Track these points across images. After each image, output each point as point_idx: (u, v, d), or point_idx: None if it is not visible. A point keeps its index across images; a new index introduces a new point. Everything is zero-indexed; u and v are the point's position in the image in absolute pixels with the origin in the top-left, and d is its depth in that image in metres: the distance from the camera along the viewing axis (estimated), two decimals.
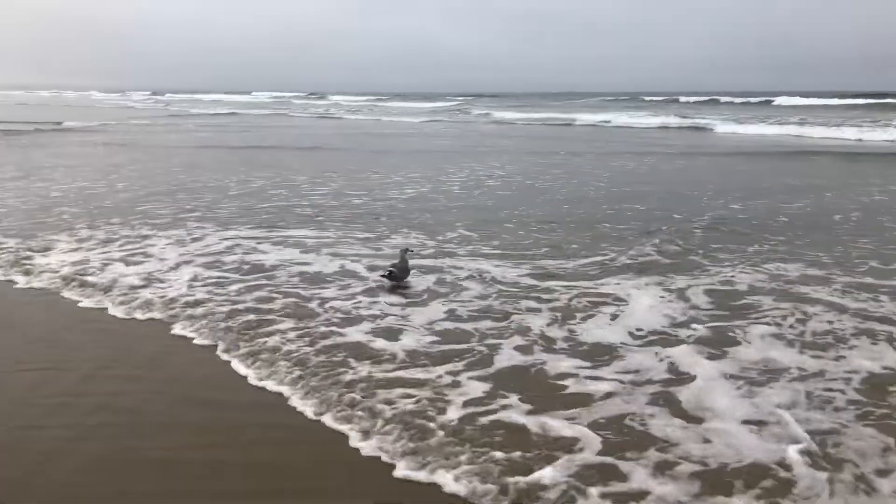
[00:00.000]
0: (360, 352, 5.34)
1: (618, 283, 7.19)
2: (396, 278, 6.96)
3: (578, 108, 54.66)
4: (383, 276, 7.04)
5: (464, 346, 5.51)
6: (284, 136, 29.40)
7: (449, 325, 6.01)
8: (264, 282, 7.20)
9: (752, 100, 64.26)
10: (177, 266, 7.76)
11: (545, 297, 6.75)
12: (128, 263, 7.83)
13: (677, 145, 26.08)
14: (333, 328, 5.84)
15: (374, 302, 6.60)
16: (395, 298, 6.74)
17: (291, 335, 5.65)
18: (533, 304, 6.54)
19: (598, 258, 8.32)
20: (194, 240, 9.06)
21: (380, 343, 5.53)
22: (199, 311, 6.26)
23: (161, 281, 7.19)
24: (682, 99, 72.88)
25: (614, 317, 6.20)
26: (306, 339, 5.58)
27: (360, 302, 6.59)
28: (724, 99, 69.96)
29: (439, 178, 15.60)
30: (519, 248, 8.84)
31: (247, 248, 8.61)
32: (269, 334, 5.68)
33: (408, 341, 5.59)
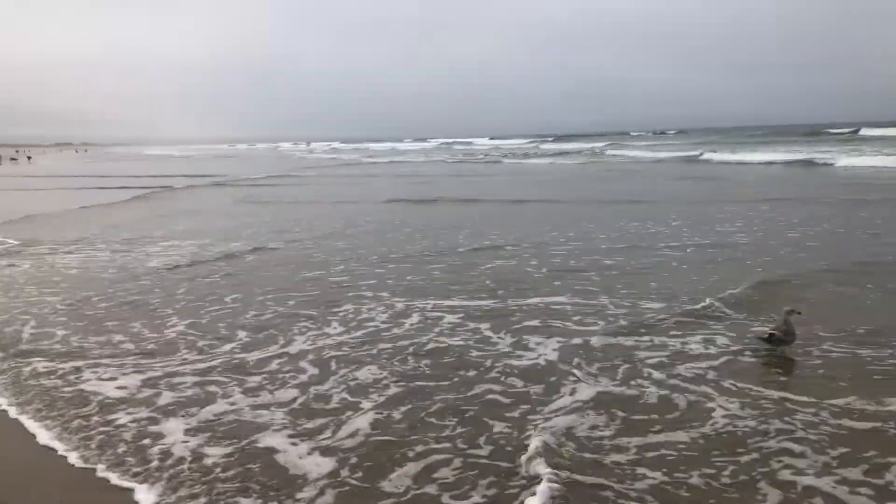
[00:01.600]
0: None
1: None
2: (781, 341, 5.83)
3: (824, 144, 47.16)
4: (763, 339, 5.90)
5: None
6: (481, 188, 26.55)
7: None
8: None
9: None
10: None
11: None
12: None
13: None
14: None
15: None
16: None
17: None
18: None
19: None
20: None
21: None
22: None
23: None
24: None
25: None
26: None
27: None
28: None
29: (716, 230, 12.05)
30: None
31: None
32: None
33: None
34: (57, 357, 6.02)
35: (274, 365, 5.85)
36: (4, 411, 4.96)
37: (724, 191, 21.11)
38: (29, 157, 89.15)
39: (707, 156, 42.62)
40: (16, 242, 12.08)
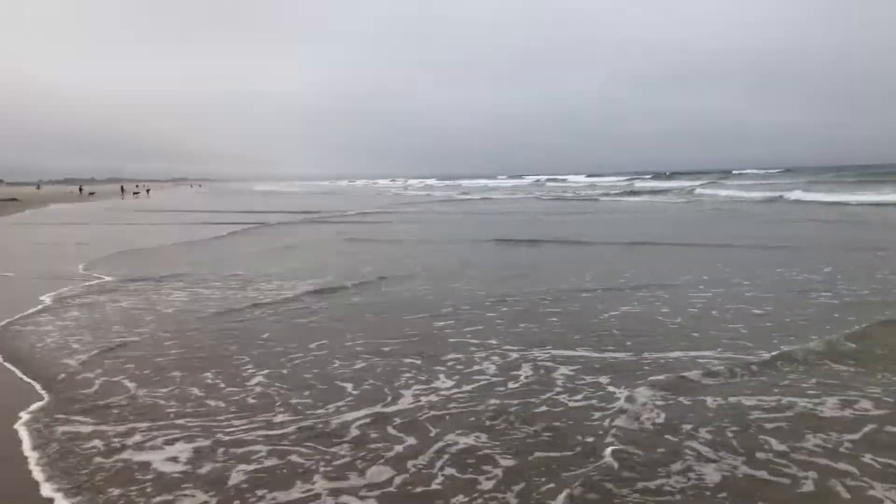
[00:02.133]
0: None
1: None
2: None
3: None
4: None
5: None
6: (584, 227, 25.16)
7: None
8: None
9: None
10: None
11: None
12: None
13: None
14: None
15: None
16: None
17: None
18: None
19: None
20: None
21: None
22: None
23: None
24: None
25: None
26: None
27: None
28: None
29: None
30: None
31: None
32: None
33: None
34: (109, 413, 5.05)
35: (363, 430, 4.65)
36: (36, 484, 3.99)
37: (869, 235, 18.43)
38: (148, 191, 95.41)
39: (832, 196, 38.43)
40: (109, 279, 11.70)
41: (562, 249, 15.58)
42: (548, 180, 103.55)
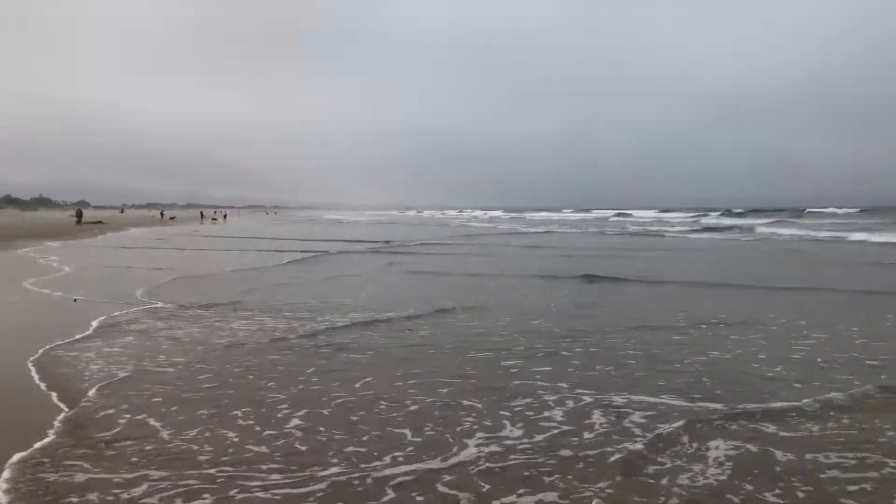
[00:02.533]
0: None
1: None
2: None
3: None
4: None
5: None
6: (659, 264, 24.04)
7: None
8: None
9: None
10: None
11: None
12: None
13: None
14: None
15: None
16: None
17: None
18: None
19: None
20: None
21: None
22: None
23: None
24: None
25: None
26: None
27: None
28: None
29: None
30: None
31: None
32: None
33: None
34: (118, 456, 4.45)
35: (408, 492, 3.88)
36: None
37: None
38: (225, 217, 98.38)
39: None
40: (163, 305, 11.41)
41: (637, 288, 14.33)
42: (616, 215, 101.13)
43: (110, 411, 5.32)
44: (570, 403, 5.59)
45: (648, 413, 5.29)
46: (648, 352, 7.54)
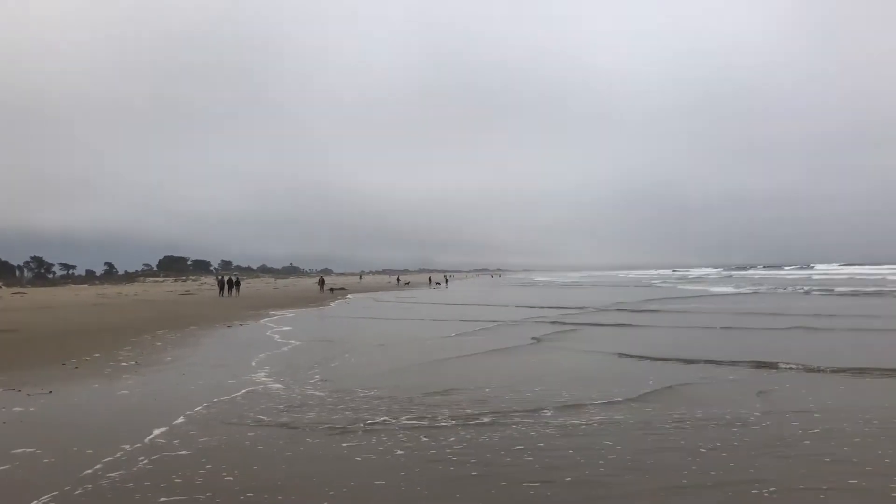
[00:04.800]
0: None
1: None
2: None
3: None
4: None
5: None
6: None
7: None
8: None
9: None
10: None
11: None
12: None
13: None
14: None
15: None
16: None
17: None
18: None
19: None
20: None
21: None
22: None
23: None
24: None
25: None
26: None
27: None
28: None
29: None
30: None
31: None
32: None
33: None
34: None
35: None
36: None
37: None
38: (447, 281, 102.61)
39: None
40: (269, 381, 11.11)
41: None
42: (848, 274, 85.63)
43: None
44: None
45: None
46: None
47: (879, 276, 70.52)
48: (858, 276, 73.46)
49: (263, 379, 11.94)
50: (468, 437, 7.68)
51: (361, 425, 8.33)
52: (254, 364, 13.78)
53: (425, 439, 7.63)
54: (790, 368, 12.22)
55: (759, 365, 12.58)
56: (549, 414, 8.78)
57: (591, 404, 9.26)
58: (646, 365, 13.15)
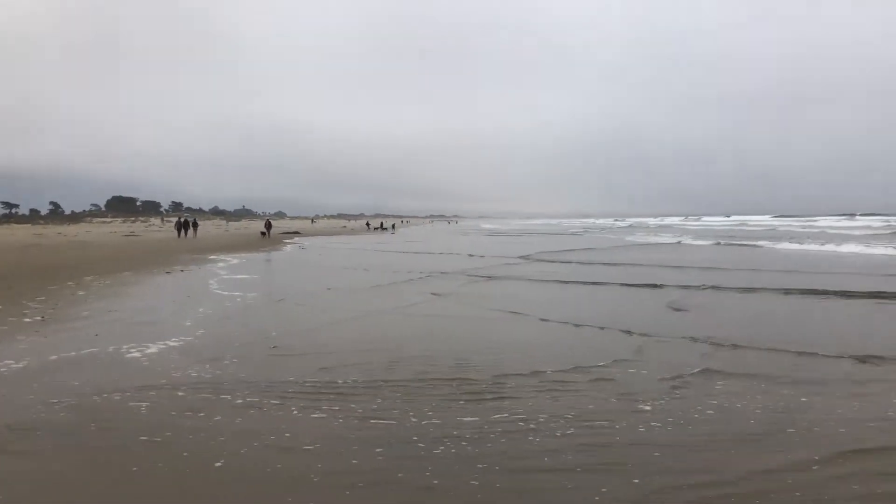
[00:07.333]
0: None
1: None
2: None
3: None
4: None
5: None
6: None
7: None
8: None
9: None
10: None
11: None
12: None
13: None
14: None
15: None
16: None
17: None
18: None
19: None
20: None
21: None
22: None
23: None
24: None
25: None
26: None
27: None
28: None
29: None
30: None
31: None
32: None
33: None
34: None
35: None
36: None
37: None
38: (393, 227, 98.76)
39: None
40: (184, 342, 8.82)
41: None
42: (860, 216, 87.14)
43: None
44: None
45: None
46: None
47: (769, 227, 72.85)
48: (745, 228, 75.12)
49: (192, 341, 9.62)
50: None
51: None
52: (188, 324, 11.38)
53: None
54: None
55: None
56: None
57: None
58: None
